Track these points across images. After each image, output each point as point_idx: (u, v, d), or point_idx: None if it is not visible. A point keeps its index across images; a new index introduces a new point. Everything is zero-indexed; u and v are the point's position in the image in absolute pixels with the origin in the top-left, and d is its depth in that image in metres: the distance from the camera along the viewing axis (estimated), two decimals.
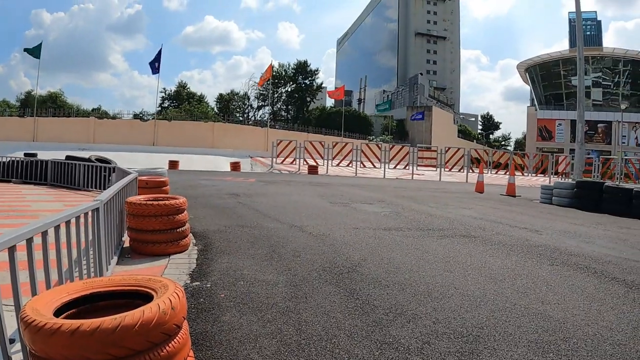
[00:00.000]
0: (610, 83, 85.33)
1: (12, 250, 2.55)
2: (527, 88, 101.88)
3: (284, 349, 3.48)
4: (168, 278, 2.70)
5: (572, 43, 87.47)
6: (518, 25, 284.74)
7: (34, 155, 19.38)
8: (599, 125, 79.56)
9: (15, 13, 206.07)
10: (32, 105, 51.04)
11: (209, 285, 4.93)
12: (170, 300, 2.24)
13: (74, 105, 72.74)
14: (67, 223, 3.55)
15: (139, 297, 2.48)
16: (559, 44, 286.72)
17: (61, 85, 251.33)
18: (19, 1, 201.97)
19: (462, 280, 5.49)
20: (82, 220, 3.96)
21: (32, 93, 66.22)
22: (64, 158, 16.75)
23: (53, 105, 62.51)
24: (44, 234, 3.03)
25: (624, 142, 73.06)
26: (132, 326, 2.00)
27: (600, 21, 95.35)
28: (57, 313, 2.25)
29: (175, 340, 2.24)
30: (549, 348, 3.65)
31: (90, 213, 4.22)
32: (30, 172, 17.20)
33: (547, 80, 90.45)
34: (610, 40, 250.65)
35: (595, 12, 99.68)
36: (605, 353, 3.61)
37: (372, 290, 4.93)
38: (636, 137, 79.99)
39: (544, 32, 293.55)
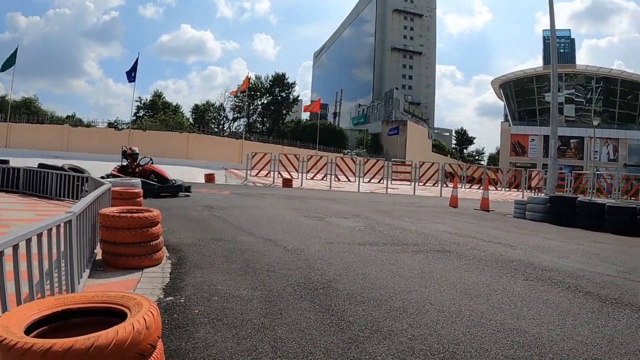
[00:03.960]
0: (582, 100, 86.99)
1: None
2: (501, 104, 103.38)
3: None
4: (142, 295, 2.64)
5: (546, 60, 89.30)
6: (492, 42, 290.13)
7: (6, 162, 19.00)
8: (571, 140, 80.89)
9: None
10: (5, 111, 50.40)
11: (183, 301, 4.86)
12: (145, 319, 2.20)
13: (48, 112, 71.82)
14: (39, 236, 3.48)
15: (113, 314, 2.43)
16: (532, 61, 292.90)
17: (35, 90, 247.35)
18: None
19: (438, 295, 5.49)
20: (54, 231, 3.88)
21: (6, 98, 65.30)
22: (36, 166, 16.49)
23: (27, 111, 61.63)
24: (15, 247, 2.97)
25: (596, 158, 74.52)
26: (106, 346, 1.95)
27: (573, 39, 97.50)
28: (29, 330, 2.20)
29: None
30: None
31: (62, 225, 4.13)
32: (1, 179, 16.87)
33: (521, 96, 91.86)
34: (584, 58, 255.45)
35: (569, 30, 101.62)
36: None
37: (348, 307, 4.90)
38: (608, 153, 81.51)
39: (518, 49, 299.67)
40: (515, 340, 4.13)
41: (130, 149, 18.61)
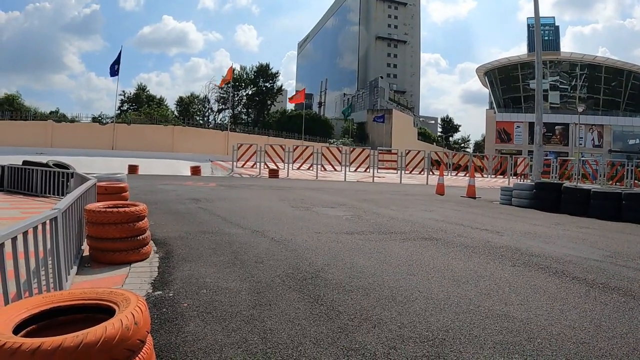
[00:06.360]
0: (567, 86, 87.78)
1: None
2: (486, 91, 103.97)
3: (250, 358, 3.44)
4: (130, 291, 2.63)
5: (531, 47, 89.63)
6: (476, 29, 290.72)
7: None
8: (556, 127, 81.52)
9: None
10: None
11: (171, 295, 4.85)
12: (133, 315, 2.19)
13: (31, 108, 70.70)
14: (25, 234, 3.45)
15: (101, 311, 2.42)
16: (516, 48, 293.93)
17: (15, 87, 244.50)
18: None
19: (426, 283, 5.52)
20: (40, 229, 3.84)
21: None
22: (21, 163, 16.36)
23: (10, 108, 60.81)
24: (1, 246, 2.94)
25: (581, 144, 75.22)
26: (95, 343, 1.94)
27: (558, 26, 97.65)
28: (17, 330, 2.18)
29: (139, 356, 2.17)
30: (514, 349, 3.69)
31: (48, 222, 4.10)
32: None
33: (506, 83, 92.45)
34: (568, 45, 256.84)
35: (554, 17, 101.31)
36: (569, 352, 3.67)
37: (337, 296, 4.91)
38: (593, 139, 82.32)
39: (502, 36, 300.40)
40: (504, 326, 4.16)
41: None
